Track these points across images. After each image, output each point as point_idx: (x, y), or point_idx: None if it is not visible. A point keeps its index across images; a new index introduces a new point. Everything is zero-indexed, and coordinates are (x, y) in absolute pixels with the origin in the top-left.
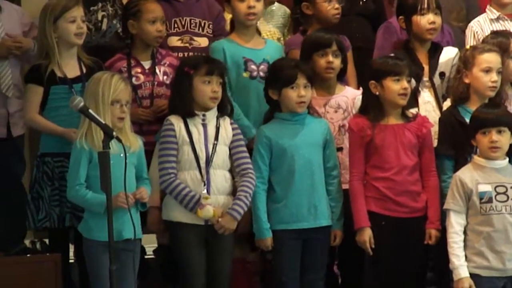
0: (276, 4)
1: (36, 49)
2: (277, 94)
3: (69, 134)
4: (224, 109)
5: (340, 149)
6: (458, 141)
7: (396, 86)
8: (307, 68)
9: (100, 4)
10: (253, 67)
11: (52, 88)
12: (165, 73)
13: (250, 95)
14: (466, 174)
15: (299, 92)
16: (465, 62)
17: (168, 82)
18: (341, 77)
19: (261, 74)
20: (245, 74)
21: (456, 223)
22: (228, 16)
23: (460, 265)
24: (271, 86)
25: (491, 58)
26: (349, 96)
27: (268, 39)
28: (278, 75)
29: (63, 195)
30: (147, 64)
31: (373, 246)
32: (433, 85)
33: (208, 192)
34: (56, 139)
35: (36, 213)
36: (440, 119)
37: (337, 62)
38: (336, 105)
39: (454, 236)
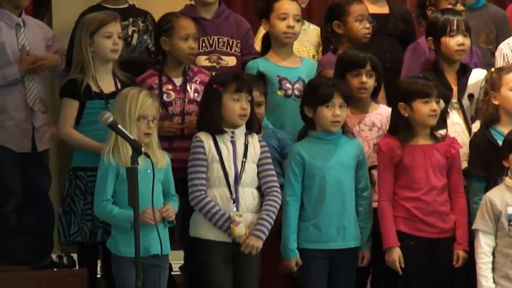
0: (309, 23)
1: (64, 64)
2: (312, 112)
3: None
4: (252, 126)
5: (374, 167)
6: (489, 163)
7: (425, 108)
8: (345, 87)
9: (131, 19)
10: (288, 85)
11: (88, 103)
12: (196, 90)
13: (285, 114)
14: (496, 195)
15: (334, 111)
16: (492, 84)
17: (199, 99)
18: (375, 95)
19: (296, 92)
20: (279, 93)
21: (485, 244)
22: (260, 34)
23: (488, 287)
24: (307, 103)
25: None
26: (384, 114)
27: (305, 58)
28: (314, 93)
29: None
30: (178, 81)
31: (402, 265)
32: (461, 107)
33: (237, 209)
34: (90, 153)
35: (68, 227)
36: (471, 141)
37: (370, 82)
38: (370, 123)
39: (482, 257)
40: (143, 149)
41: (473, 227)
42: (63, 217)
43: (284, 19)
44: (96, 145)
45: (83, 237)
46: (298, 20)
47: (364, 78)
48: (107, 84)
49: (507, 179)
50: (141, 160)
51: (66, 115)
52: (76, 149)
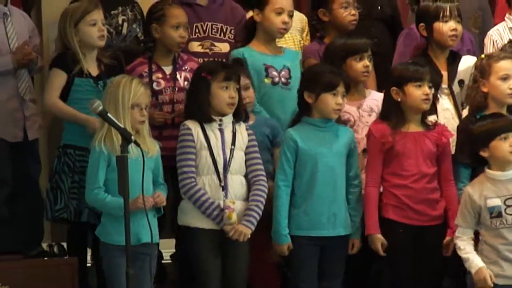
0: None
1: (39, 62)
2: (314, 97)
3: (90, 121)
4: (239, 115)
5: None
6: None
7: (418, 92)
8: (347, 77)
9: (120, 8)
10: (274, 73)
11: (76, 79)
12: (185, 79)
13: (273, 102)
14: (476, 189)
15: (337, 100)
16: (482, 71)
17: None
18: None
19: (283, 80)
20: (266, 81)
21: (464, 235)
22: None
23: (474, 256)
24: (309, 89)
25: (507, 65)
26: (378, 98)
27: (286, 48)
28: (319, 79)
29: (81, 189)
30: (168, 69)
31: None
32: (452, 93)
33: (226, 197)
34: (80, 132)
35: (54, 203)
36: (458, 127)
37: (371, 66)
38: (368, 109)
39: (463, 243)
40: (133, 137)
41: (454, 221)
42: (50, 193)
43: (280, 13)
44: (82, 116)
45: (68, 214)
46: (291, 16)
47: (367, 62)
48: (93, 69)
49: (487, 170)
50: (133, 148)
51: (52, 85)
52: (66, 127)
